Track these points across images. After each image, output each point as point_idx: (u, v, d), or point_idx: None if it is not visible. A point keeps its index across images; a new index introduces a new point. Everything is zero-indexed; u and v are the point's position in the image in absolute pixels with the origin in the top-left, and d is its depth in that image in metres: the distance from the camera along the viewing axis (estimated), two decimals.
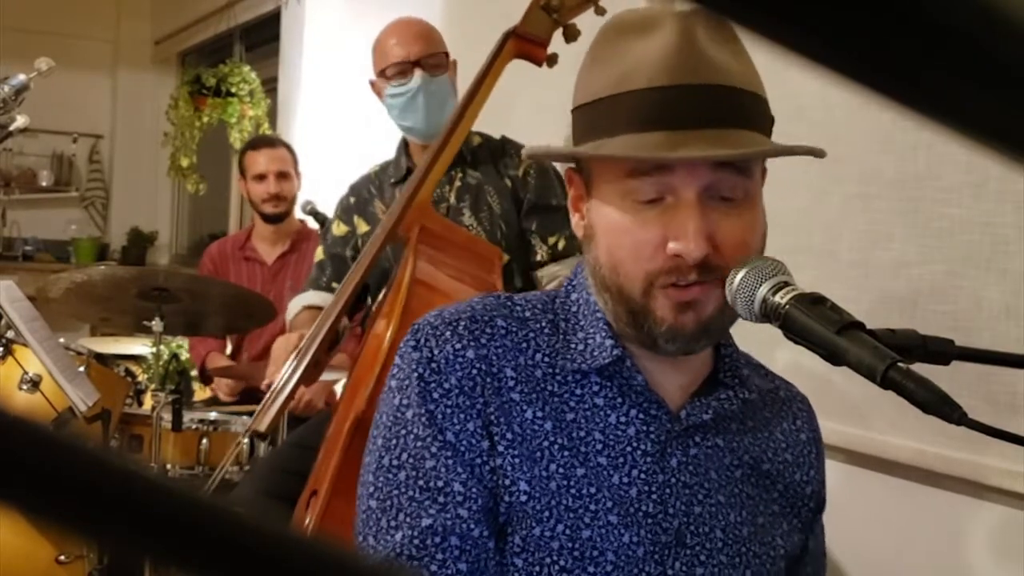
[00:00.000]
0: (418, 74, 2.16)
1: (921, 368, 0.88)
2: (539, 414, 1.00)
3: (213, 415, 2.94)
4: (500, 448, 0.99)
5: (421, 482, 0.98)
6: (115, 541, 0.25)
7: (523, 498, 0.98)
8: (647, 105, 0.93)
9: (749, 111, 0.95)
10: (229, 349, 3.56)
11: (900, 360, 0.86)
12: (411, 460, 0.99)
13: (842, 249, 1.91)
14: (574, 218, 1.06)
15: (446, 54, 2.23)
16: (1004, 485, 1.63)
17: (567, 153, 1.02)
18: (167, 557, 0.24)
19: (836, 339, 0.89)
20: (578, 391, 1.02)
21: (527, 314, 1.05)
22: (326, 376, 2.59)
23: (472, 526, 0.96)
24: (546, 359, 1.03)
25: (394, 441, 1.01)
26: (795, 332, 0.93)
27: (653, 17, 0.96)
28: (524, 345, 1.03)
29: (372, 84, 2.28)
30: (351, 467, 1.59)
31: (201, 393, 3.65)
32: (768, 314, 0.94)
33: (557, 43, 2.04)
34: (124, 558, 2.50)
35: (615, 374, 1.02)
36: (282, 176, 3.39)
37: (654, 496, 1.00)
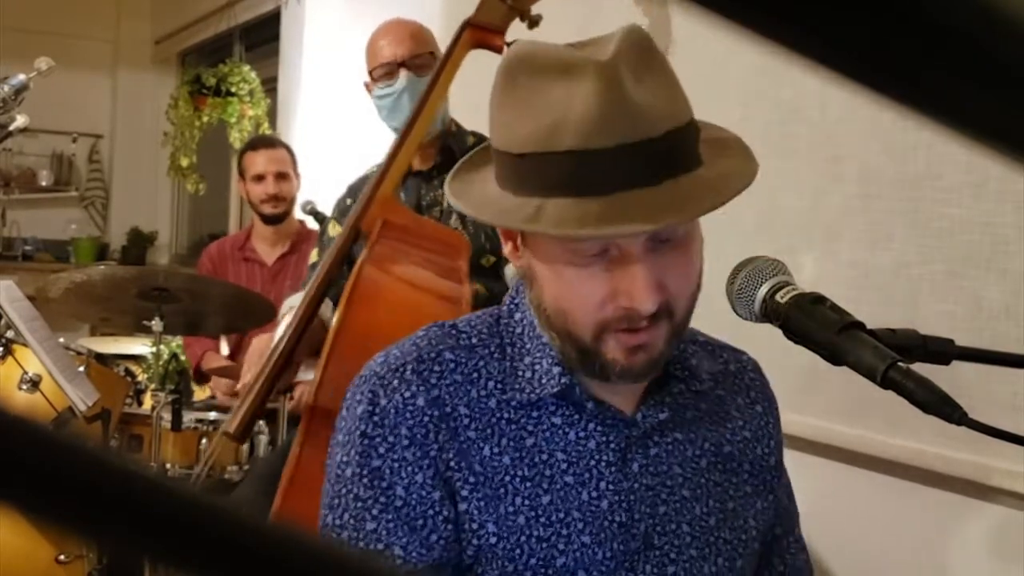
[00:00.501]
0: (403, 75, 2.16)
1: (921, 368, 0.88)
2: (496, 449, 0.99)
3: (213, 415, 2.94)
4: (464, 493, 0.98)
5: (362, 544, 0.97)
6: (115, 541, 0.25)
7: (492, 540, 0.98)
8: (581, 169, 0.88)
9: (682, 151, 0.91)
10: (227, 350, 3.56)
11: (900, 360, 0.86)
12: (352, 521, 0.98)
13: (842, 249, 1.91)
14: (507, 246, 1.02)
15: (432, 54, 2.22)
16: (1005, 485, 1.63)
17: (499, 224, 0.97)
18: (167, 557, 0.24)
19: (836, 339, 0.89)
20: (534, 414, 1.01)
21: (474, 341, 1.04)
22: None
23: None
24: (499, 387, 1.01)
25: (336, 500, 1.00)
26: (795, 332, 0.93)
27: (570, 61, 0.91)
28: (475, 375, 1.01)
29: (366, 85, 2.29)
30: (307, 454, 1.61)
31: (201, 393, 3.65)
32: (768, 314, 0.94)
33: (524, 32, 2.04)
34: (124, 558, 2.50)
35: (567, 394, 1.01)
36: (281, 177, 3.38)
37: (623, 505, 1.00)
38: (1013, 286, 1.62)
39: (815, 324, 0.90)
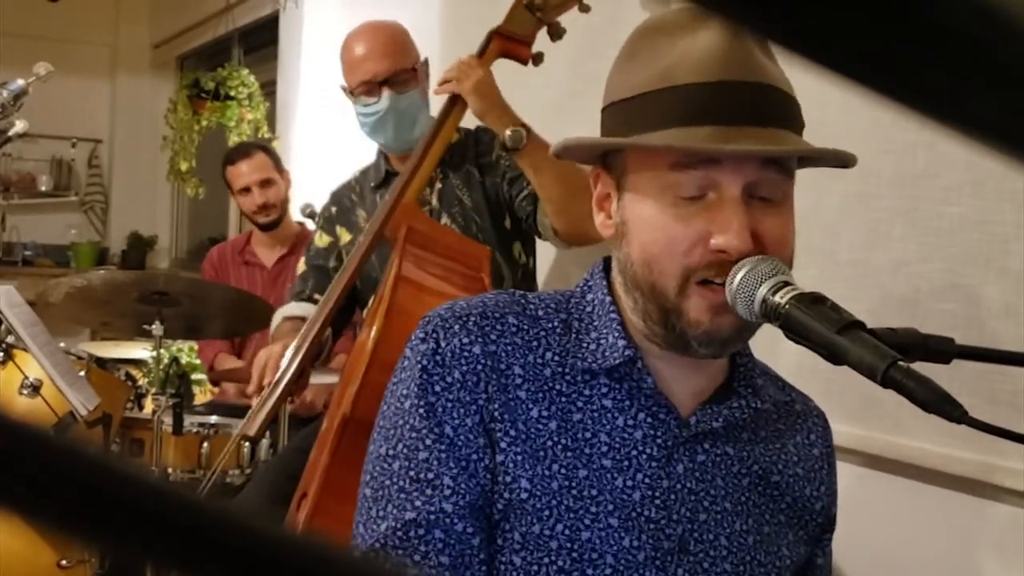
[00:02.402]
0: (386, 94, 2.13)
1: (922, 367, 0.87)
2: (544, 413, 1.00)
3: (214, 419, 2.94)
4: (503, 444, 0.98)
5: (412, 473, 0.98)
6: (117, 546, 0.25)
7: (523, 495, 0.98)
8: (696, 99, 0.92)
9: (792, 113, 0.96)
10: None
11: (901, 359, 0.86)
12: (405, 450, 0.99)
13: (842, 248, 1.91)
14: (598, 217, 1.04)
15: (414, 66, 2.19)
16: (1007, 484, 1.63)
17: (611, 143, 0.99)
18: (169, 561, 0.24)
19: (836, 339, 0.89)
20: (586, 392, 1.01)
21: (539, 313, 1.04)
22: (327, 379, 2.60)
23: (455, 520, 0.96)
24: (556, 358, 1.02)
25: (392, 431, 1.01)
26: (795, 332, 0.92)
27: (696, 16, 0.95)
28: (535, 343, 1.02)
29: (345, 90, 2.27)
30: (339, 467, 1.60)
31: (201, 396, 3.64)
32: (768, 314, 0.94)
33: (543, 43, 2.05)
34: (126, 563, 2.50)
35: (625, 376, 1.01)
36: (265, 184, 3.37)
37: (657, 501, 1.00)
38: (1013, 285, 1.62)
39: (815, 323, 0.90)
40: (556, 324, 1.04)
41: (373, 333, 1.67)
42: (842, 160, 1.00)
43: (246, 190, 3.37)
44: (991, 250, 1.66)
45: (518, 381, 1.00)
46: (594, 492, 0.99)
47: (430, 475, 0.98)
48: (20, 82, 2.24)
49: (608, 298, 1.03)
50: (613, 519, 0.98)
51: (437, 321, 1.02)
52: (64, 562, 2.53)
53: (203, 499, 0.24)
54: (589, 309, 1.04)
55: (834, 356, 0.90)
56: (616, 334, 1.01)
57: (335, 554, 0.25)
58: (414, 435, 0.99)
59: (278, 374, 1.98)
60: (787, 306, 0.91)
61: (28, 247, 6.91)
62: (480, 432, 0.99)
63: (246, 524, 0.24)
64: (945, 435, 1.68)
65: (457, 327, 1.01)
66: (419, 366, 1.01)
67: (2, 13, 6.19)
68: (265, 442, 2.82)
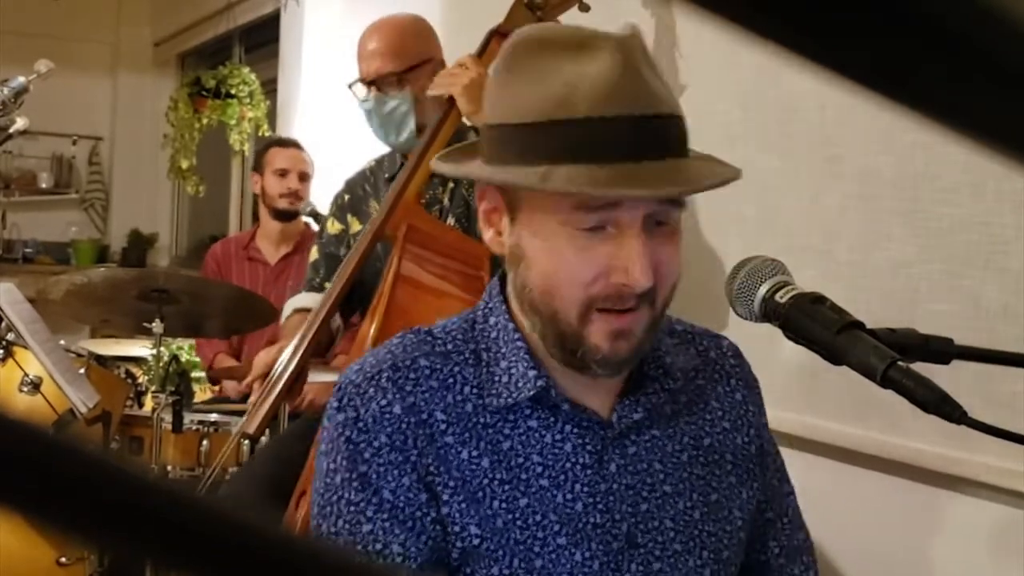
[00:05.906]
0: (373, 95, 2.15)
1: (921, 367, 0.88)
2: (475, 453, 0.99)
3: (213, 416, 2.94)
4: (445, 497, 0.98)
5: (359, 547, 0.97)
6: (116, 543, 0.25)
7: (475, 541, 0.98)
8: (594, 135, 0.90)
9: (683, 139, 0.95)
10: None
11: (900, 359, 0.86)
12: (347, 526, 0.98)
13: (841, 249, 1.91)
14: (488, 232, 1.02)
15: (412, 66, 2.17)
16: (1003, 484, 1.63)
17: (513, 184, 0.96)
18: (168, 559, 0.24)
19: (836, 339, 0.89)
20: (511, 417, 1.01)
21: (449, 347, 1.03)
22: (330, 377, 2.60)
23: None
24: (474, 391, 1.01)
25: (328, 508, 1.00)
26: (795, 332, 0.93)
27: (585, 38, 0.94)
28: (451, 381, 1.01)
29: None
30: None
31: (201, 395, 3.64)
32: (768, 314, 0.94)
33: None
34: (125, 560, 2.50)
35: (543, 399, 1.01)
36: (303, 177, 3.45)
37: (600, 506, 1.00)
38: (1011, 285, 1.62)
39: (815, 324, 0.90)
40: (467, 355, 1.03)
41: (372, 331, 1.67)
42: (730, 179, 0.98)
43: (284, 172, 3.42)
44: (990, 251, 1.66)
45: (443, 427, 0.99)
46: (538, 517, 0.99)
47: (378, 546, 0.97)
48: (21, 79, 2.25)
49: (511, 324, 1.02)
50: (561, 538, 0.99)
51: (350, 388, 1.01)
52: (63, 560, 2.53)
53: (203, 497, 0.24)
54: (494, 335, 1.03)
55: (834, 356, 0.90)
56: (525, 363, 1.00)
57: (334, 554, 0.25)
58: (353, 509, 0.98)
59: (277, 371, 1.99)
60: (787, 306, 0.91)
61: (28, 244, 6.90)
62: (420, 488, 0.98)
63: (246, 523, 0.24)
64: (940, 435, 1.68)
65: (372, 390, 1.00)
66: (343, 437, 0.99)
67: (3, 11, 6.18)
68: (265, 439, 2.82)
